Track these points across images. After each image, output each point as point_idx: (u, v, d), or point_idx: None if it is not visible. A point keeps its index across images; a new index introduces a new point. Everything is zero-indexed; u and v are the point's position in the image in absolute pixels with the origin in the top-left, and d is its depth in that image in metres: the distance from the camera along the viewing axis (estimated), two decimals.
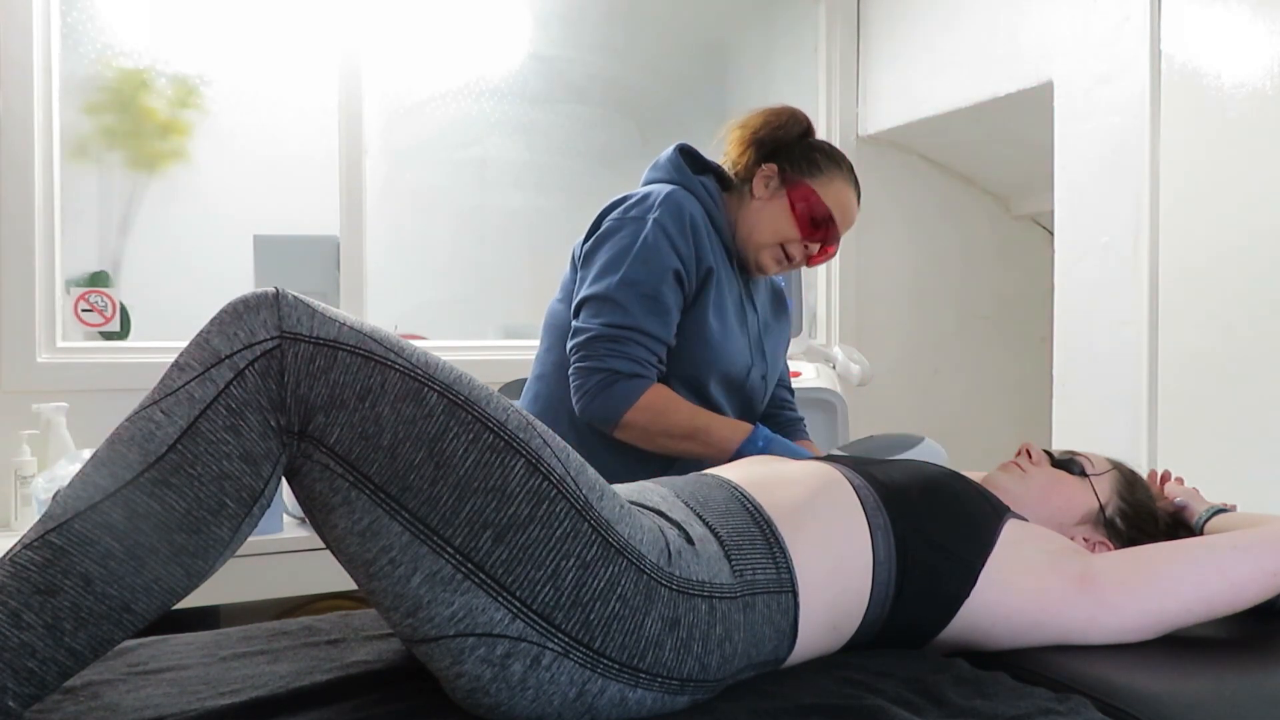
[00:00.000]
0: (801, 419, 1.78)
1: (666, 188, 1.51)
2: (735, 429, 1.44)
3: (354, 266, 2.45)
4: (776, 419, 1.75)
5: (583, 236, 1.55)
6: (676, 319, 1.47)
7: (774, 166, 1.55)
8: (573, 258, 1.56)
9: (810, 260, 1.57)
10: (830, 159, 1.56)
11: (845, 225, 1.56)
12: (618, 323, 1.43)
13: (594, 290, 1.46)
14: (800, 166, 1.54)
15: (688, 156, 1.59)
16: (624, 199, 1.52)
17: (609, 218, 1.51)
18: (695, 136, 1.65)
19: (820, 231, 1.53)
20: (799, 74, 3.05)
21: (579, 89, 2.87)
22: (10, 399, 2.05)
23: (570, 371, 1.46)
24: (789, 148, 1.57)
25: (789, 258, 1.55)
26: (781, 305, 1.74)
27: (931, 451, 1.53)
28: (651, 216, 1.46)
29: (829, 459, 1.16)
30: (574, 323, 1.48)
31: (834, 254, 1.58)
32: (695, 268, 1.48)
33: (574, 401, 1.46)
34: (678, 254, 1.45)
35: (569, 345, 1.48)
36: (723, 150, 1.62)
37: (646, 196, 1.50)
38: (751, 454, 1.39)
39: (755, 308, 1.63)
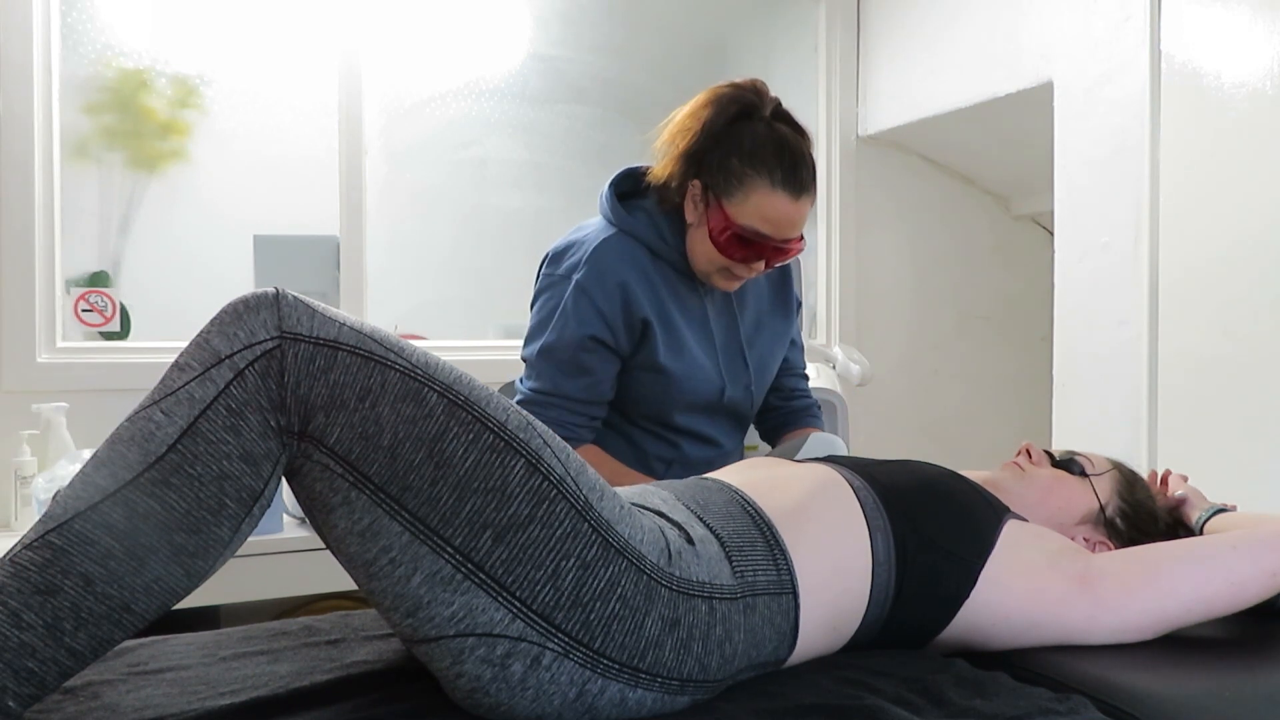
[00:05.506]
0: (812, 405, 1.75)
1: (597, 240, 1.46)
2: None
3: (354, 266, 2.45)
4: (785, 409, 1.73)
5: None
6: (607, 375, 1.47)
7: (699, 184, 1.43)
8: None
9: (768, 265, 1.46)
10: (752, 161, 1.38)
11: (783, 230, 1.41)
12: (537, 388, 1.47)
13: (523, 354, 1.51)
14: (718, 182, 1.40)
15: (623, 187, 1.52)
16: (560, 248, 1.51)
17: (543, 271, 1.52)
18: None
19: (753, 249, 1.41)
20: (799, 74, 3.05)
21: (579, 89, 2.86)
22: (10, 399, 2.05)
23: None
24: (710, 158, 1.41)
25: (737, 275, 1.47)
26: (782, 295, 1.66)
27: (826, 441, 1.46)
28: (575, 278, 1.44)
29: (827, 460, 1.16)
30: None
31: (800, 249, 1.46)
32: (625, 323, 1.44)
33: None
34: (601, 316, 1.43)
35: None
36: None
37: (577, 249, 1.48)
38: None
39: (738, 312, 1.57)
